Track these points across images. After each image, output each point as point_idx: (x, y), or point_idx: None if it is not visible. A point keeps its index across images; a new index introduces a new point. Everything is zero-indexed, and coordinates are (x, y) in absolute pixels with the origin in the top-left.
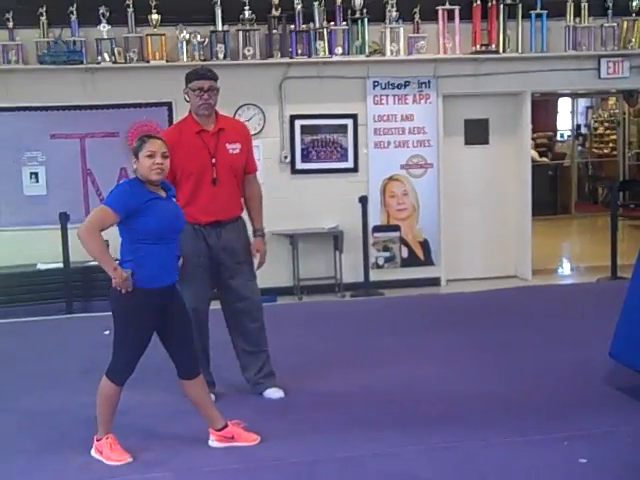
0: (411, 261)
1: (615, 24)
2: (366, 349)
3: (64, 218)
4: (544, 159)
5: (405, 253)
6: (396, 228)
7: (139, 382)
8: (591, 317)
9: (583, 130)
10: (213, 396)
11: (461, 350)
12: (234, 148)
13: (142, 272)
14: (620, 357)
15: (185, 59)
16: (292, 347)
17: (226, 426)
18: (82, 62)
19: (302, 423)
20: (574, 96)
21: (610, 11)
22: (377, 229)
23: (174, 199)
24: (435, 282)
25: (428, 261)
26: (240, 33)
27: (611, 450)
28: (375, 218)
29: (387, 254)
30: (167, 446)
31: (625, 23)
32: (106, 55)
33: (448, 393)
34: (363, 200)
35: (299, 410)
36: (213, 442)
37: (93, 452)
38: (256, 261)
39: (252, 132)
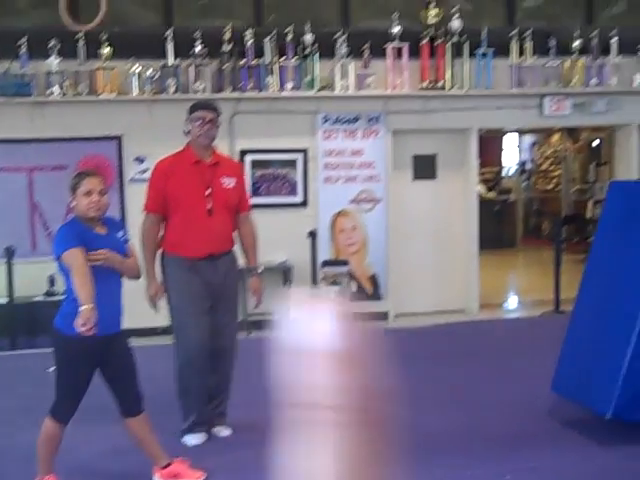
0: (360, 295)
1: (557, 63)
2: None
3: (10, 252)
4: (491, 194)
5: (354, 287)
6: (345, 262)
7: (83, 420)
8: (535, 351)
9: (528, 166)
10: (229, 429)
11: (407, 385)
12: (229, 182)
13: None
14: (561, 391)
15: (135, 93)
16: (241, 382)
17: (170, 463)
18: (30, 95)
19: (247, 461)
20: (520, 132)
21: (552, 50)
22: (326, 263)
23: (119, 234)
24: (383, 316)
25: (376, 295)
26: (191, 68)
27: None
28: (324, 252)
29: (336, 288)
30: None
31: (567, 62)
32: (56, 88)
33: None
34: (312, 234)
35: (245, 447)
36: None
37: None
38: (253, 299)
39: None
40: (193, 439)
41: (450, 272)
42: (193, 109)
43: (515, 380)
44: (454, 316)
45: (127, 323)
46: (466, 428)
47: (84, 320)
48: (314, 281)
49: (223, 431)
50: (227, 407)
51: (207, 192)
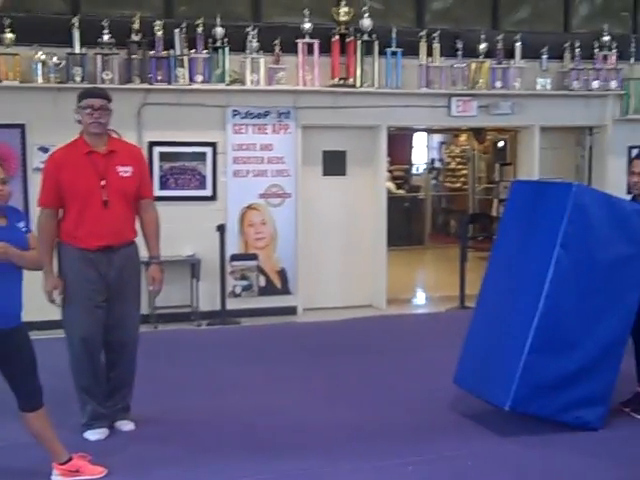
0: (268, 290)
1: (464, 65)
2: (222, 379)
3: None
4: (401, 191)
5: (263, 282)
6: (254, 257)
7: None
8: (439, 346)
9: (437, 164)
10: (132, 423)
11: (315, 379)
12: (125, 171)
13: None
14: (462, 383)
15: (40, 81)
16: (146, 376)
17: (70, 459)
18: None
19: (150, 455)
20: (429, 131)
21: (460, 52)
22: (235, 257)
23: (20, 224)
24: (292, 311)
25: (285, 290)
26: (98, 57)
27: (453, 473)
28: (233, 246)
29: (245, 283)
30: None
31: (473, 64)
32: None
33: (301, 421)
34: (221, 228)
35: (148, 442)
36: (56, 476)
37: (60, 478)
38: (151, 288)
39: None
40: (94, 435)
41: (359, 268)
42: (82, 97)
43: (418, 373)
44: (362, 311)
45: (29, 316)
46: (370, 420)
47: None
48: (222, 275)
49: (126, 425)
50: (130, 401)
51: (102, 183)
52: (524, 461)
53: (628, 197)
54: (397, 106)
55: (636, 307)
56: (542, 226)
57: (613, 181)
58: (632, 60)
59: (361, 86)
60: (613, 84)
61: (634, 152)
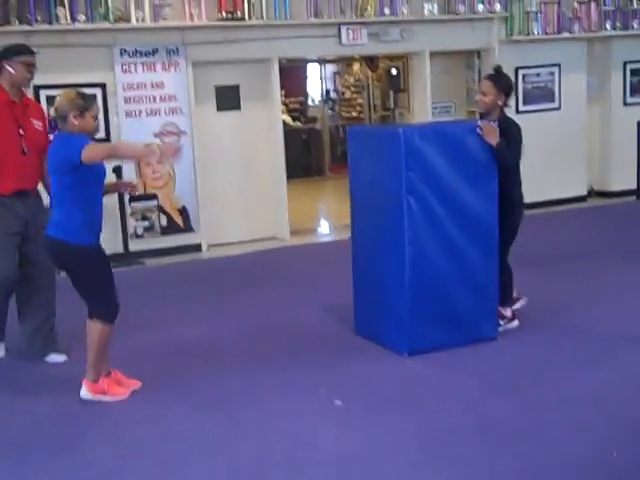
0: (171, 229)
1: None
2: (127, 319)
3: None
4: (297, 123)
5: (164, 221)
6: (153, 197)
7: None
8: (341, 270)
9: (332, 95)
10: (63, 355)
11: (220, 312)
12: (38, 124)
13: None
14: (362, 333)
15: None
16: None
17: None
18: None
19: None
20: (322, 62)
21: None
22: (134, 199)
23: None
24: (197, 248)
25: (188, 228)
26: None
27: (365, 390)
28: None
29: (146, 223)
30: None
31: None
32: None
33: (212, 353)
34: (117, 170)
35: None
36: (85, 392)
37: (87, 395)
38: None
39: None
40: None
41: (260, 201)
42: (20, 52)
43: (322, 298)
44: (266, 244)
45: None
46: (274, 348)
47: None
48: (122, 217)
49: (57, 357)
50: (56, 334)
51: (21, 132)
52: (431, 377)
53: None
54: (287, 37)
55: (495, 226)
56: (386, 174)
57: None
58: None
59: (250, 19)
60: (497, 6)
61: (520, 73)
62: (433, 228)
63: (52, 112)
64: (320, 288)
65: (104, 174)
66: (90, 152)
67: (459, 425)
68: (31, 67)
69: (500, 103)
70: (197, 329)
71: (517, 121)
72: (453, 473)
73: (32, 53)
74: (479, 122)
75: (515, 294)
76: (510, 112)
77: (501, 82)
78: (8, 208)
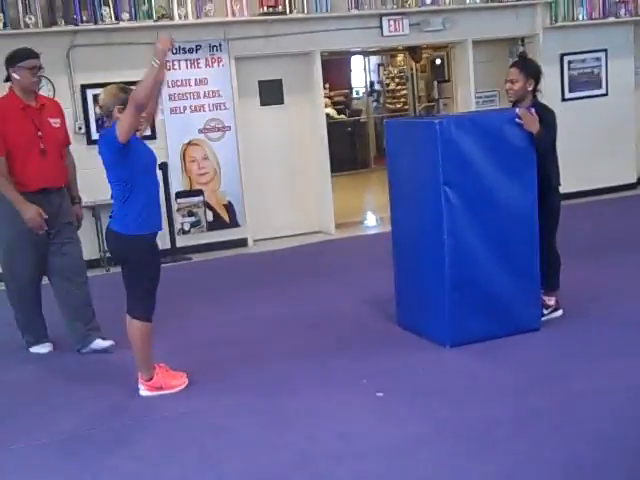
0: (217, 224)
1: None
2: (172, 313)
3: None
4: (342, 116)
5: (210, 217)
6: (199, 193)
7: None
8: (386, 262)
9: (377, 87)
10: (109, 341)
11: (265, 305)
12: (55, 122)
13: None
14: (404, 325)
15: None
16: (103, 316)
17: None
18: None
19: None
20: (365, 54)
21: None
22: (180, 195)
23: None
24: (243, 243)
25: (234, 223)
26: (19, 0)
27: (406, 382)
28: (177, 184)
29: (192, 219)
30: None
31: None
32: None
33: (258, 350)
34: (163, 167)
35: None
36: (144, 391)
37: (147, 393)
38: (76, 225)
39: None
40: (41, 349)
41: (304, 195)
42: (23, 57)
43: (367, 291)
44: (311, 237)
45: None
46: (322, 339)
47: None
48: (169, 213)
49: (103, 343)
50: (97, 321)
51: (39, 134)
52: (473, 366)
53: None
54: (329, 30)
55: (534, 214)
56: (423, 166)
57: (548, 88)
58: None
59: (291, 12)
60: None
61: (565, 59)
62: (472, 219)
63: (97, 110)
64: (365, 281)
65: (154, 162)
66: (121, 124)
67: (499, 416)
68: (35, 70)
69: (530, 89)
70: (243, 322)
71: (564, 109)
72: (493, 463)
73: (35, 56)
74: (518, 111)
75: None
76: (556, 99)
77: (528, 68)
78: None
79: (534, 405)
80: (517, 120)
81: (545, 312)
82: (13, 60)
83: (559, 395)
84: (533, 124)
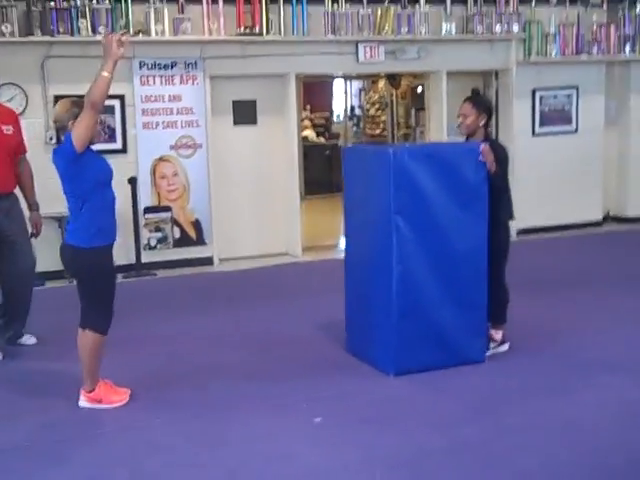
0: (184, 241)
1: (370, 11)
2: (131, 329)
3: None
4: (321, 139)
5: (177, 233)
6: (167, 209)
7: None
8: None
9: (357, 111)
10: (33, 337)
11: (223, 325)
12: (8, 129)
13: None
14: (352, 351)
15: None
16: (59, 327)
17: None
18: None
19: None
20: (346, 79)
21: None
22: (148, 210)
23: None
24: (208, 261)
25: (200, 241)
26: None
27: (346, 409)
28: (146, 199)
29: (159, 235)
30: None
31: (379, 10)
32: None
33: (206, 364)
34: (132, 181)
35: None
36: (83, 402)
37: (85, 404)
38: (34, 232)
39: None
40: None
41: (273, 216)
42: None
43: (322, 314)
44: (278, 259)
45: None
46: (270, 362)
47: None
48: (136, 228)
49: (29, 339)
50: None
51: None
52: (414, 395)
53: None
54: (305, 54)
55: (484, 247)
56: (376, 193)
57: (519, 123)
58: (533, 3)
59: (267, 34)
60: (515, 27)
61: (537, 95)
62: (421, 248)
63: (51, 122)
64: (322, 305)
65: (110, 175)
66: (76, 130)
67: (432, 447)
68: None
69: (481, 124)
70: (195, 340)
71: (533, 143)
72: None
73: None
74: (482, 147)
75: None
76: (527, 134)
77: (480, 103)
78: None
79: (467, 437)
80: (480, 157)
81: (491, 346)
82: None
83: (492, 428)
84: (492, 165)
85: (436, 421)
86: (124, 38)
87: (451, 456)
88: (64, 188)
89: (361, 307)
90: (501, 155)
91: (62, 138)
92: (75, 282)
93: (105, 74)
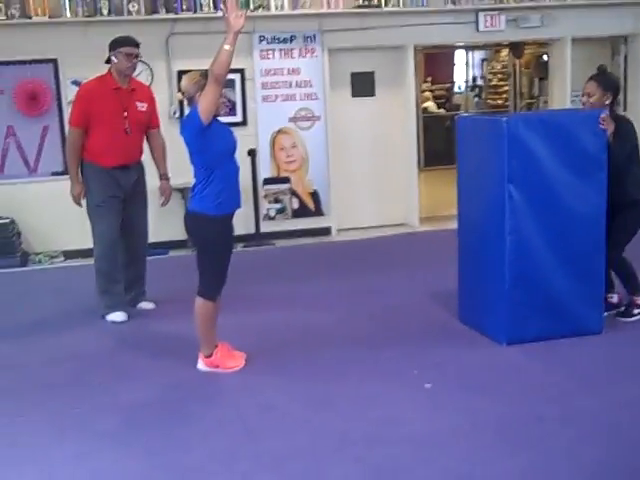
0: (302, 212)
1: None
2: (249, 295)
3: None
4: (441, 110)
5: (296, 204)
6: (286, 180)
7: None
8: None
9: (479, 82)
10: (152, 303)
11: (335, 293)
12: (142, 106)
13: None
14: (465, 320)
15: (68, 15)
16: (179, 294)
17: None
18: None
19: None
20: (469, 49)
21: None
22: (267, 181)
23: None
24: (326, 232)
25: (319, 211)
26: None
27: (458, 376)
28: (265, 170)
29: (278, 205)
30: None
31: None
32: None
33: (321, 333)
34: (252, 153)
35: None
36: (201, 365)
37: (203, 368)
38: (162, 200)
39: None
40: (117, 317)
41: (391, 188)
42: (123, 44)
43: (437, 284)
44: (395, 229)
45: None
46: (383, 329)
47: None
48: (255, 199)
49: (148, 304)
50: (145, 287)
51: (125, 114)
52: (526, 364)
53: None
54: (423, 24)
55: (603, 217)
56: (489, 163)
57: None
58: None
59: (386, 6)
60: None
61: None
62: (535, 218)
63: (179, 95)
64: (438, 274)
65: (235, 145)
66: (201, 103)
67: (542, 415)
68: (131, 57)
69: (607, 102)
70: (309, 308)
71: None
72: (527, 457)
73: (135, 45)
74: (603, 115)
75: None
76: None
77: (606, 81)
78: (110, 176)
79: (579, 406)
80: (600, 126)
81: (635, 312)
82: (114, 44)
83: (607, 400)
84: (611, 134)
85: (548, 390)
86: (240, 13)
87: (563, 425)
88: (191, 158)
89: (474, 276)
90: (625, 130)
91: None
92: (195, 250)
93: (226, 47)
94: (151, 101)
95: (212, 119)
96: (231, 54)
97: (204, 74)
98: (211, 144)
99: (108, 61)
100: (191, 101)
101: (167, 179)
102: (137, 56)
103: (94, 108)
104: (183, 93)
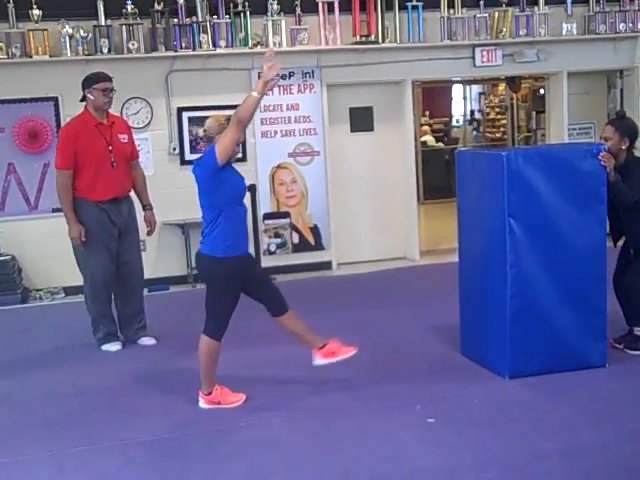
0: (302, 246)
1: (487, 14)
2: (250, 331)
3: None
4: (440, 144)
5: (296, 239)
6: (286, 215)
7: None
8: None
9: (477, 115)
10: (153, 338)
11: (336, 328)
12: (124, 138)
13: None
14: (467, 354)
15: (69, 54)
16: (180, 330)
17: (326, 344)
18: None
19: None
20: (466, 83)
21: (482, 2)
22: (267, 216)
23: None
24: (327, 266)
25: (319, 246)
26: (123, 27)
27: (459, 410)
28: (265, 205)
29: (278, 240)
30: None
31: (496, 13)
32: None
33: (323, 370)
34: (252, 188)
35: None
36: (202, 403)
37: (205, 405)
38: (148, 229)
39: (140, 125)
40: (111, 347)
41: (391, 221)
42: (97, 80)
43: (439, 317)
44: (395, 263)
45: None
46: (385, 364)
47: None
48: (256, 234)
49: (149, 340)
50: (146, 322)
51: (110, 148)
52: (530, 398)
53: None
54: (421, 60)
55: (604, 249)
56: (489, 197)
57: None
58: None
59: (383, 42)
60: None
61: None
62: (536, 251)
63: (200, 132)
64: (440, 308)
65: (245, 190)
66: (221, 143)
67: (546, 450)
68: (107, 92)
69: (624, 147)
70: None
71: None
72: None
73: (107, 79)
74: (603, 152)
75: None
76: None
77: (623, 126)
78: (101, 211)
79: (584, 441)
80: (600, 158)
81: None
82: (88, 82)
83: (612, 433)
84: (612, 172)
85: (552, 424)
86: (276, 65)
87: (567, 460)
88: (201, 200)
89: (476, 310)
90: (638, 172)
91: (206, 146)
92: (205, 289)
93: (254, 94)
94: (130, 133)
95: (226, 163)
96: (258, 101)
97: (229, 118)
98: (222, 187)
99: (83, 99)
100: (210, 141)
101: (151, 209)
102: (112, 90)
103: (80, 147)
104: (205, 130)
